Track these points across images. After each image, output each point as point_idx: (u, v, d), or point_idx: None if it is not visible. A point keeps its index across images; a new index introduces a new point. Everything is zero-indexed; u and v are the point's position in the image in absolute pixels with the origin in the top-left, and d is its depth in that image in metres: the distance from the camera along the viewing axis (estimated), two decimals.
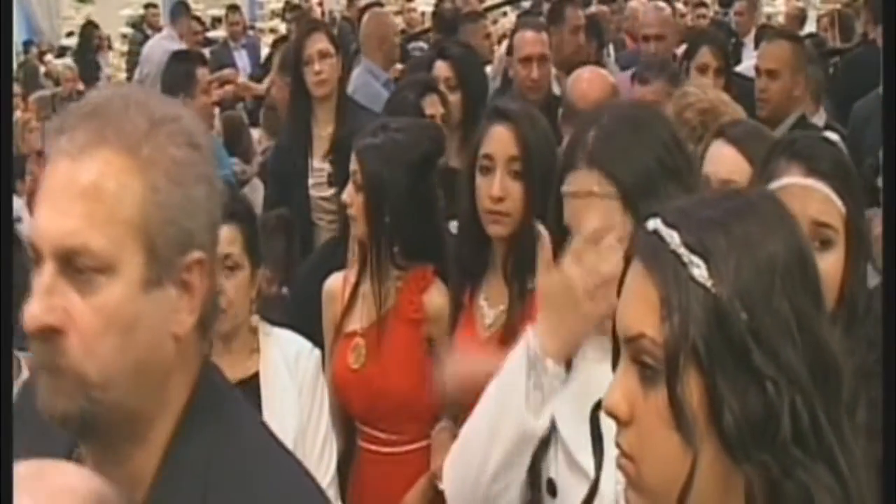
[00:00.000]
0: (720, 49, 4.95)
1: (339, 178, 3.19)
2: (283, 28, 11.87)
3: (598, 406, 1.32)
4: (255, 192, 5.61)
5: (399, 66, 6.55)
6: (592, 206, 1.83)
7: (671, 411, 1.14)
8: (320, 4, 15.23)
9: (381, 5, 9.30)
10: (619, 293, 1.23)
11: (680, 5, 9.35)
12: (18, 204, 5.55)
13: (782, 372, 1.13)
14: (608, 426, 1.26)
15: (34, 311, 1.27)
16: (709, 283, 1.15)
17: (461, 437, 1.97)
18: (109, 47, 14.32)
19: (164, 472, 1.34)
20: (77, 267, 1.28)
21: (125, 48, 13.38)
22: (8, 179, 1.45)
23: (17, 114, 7.61)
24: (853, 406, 1.39)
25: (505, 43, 6.52)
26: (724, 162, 2.66)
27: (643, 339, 1.17)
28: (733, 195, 1.25)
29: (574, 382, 1.83)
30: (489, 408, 1.88)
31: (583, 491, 1.59)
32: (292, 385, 2.82)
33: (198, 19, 11.43)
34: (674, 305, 1.15)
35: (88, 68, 12.49)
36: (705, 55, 4.83)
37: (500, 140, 2.72)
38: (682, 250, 1.16)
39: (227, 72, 8.75)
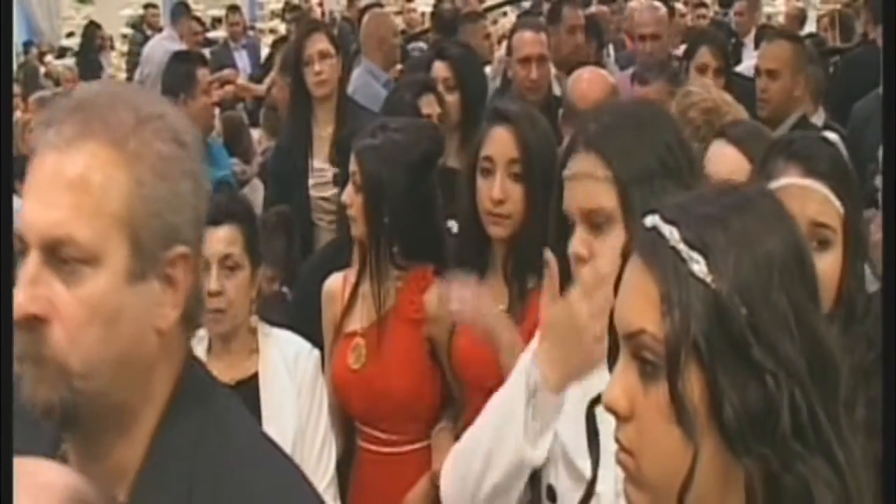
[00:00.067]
0: (719, 49, 4.95)
1: (344, 179, 3.20)
2: (283, 28, 11.90)
3: (593, 402, 1.32)
4: (255, 192, 5.61)
5: (399, 67, 6.55)
6: (588, 188, 1.82)
7: (672, 406, 1.15)
8: (320, 5, 15.24)
9: (381, 6, 9.32)
10: (616, 290, 1.23)
11: (680, 5, 9.35)
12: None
13: (781, 366, 1.14)
14: (605, 425, 1.27)
15: (18, 300, 1.28)
16: (709, 279, 1.15)
17: (459, 450, 1.97)
18: (112, 48, 14.33)
19: (149, 462, 1.35)
20: (62, 257, 1.29)
21: (125, 48, 13.40)
22: (8, 179, 1.46)
23: (17, 114, 7.60)
24: (852, 403, 1.39)
25: (505, 43, 6.52)
26: (726, 162, 2.66)
27: (644, 334, 1.17)
28: (730, 191, 1.26)
29: (574, 388, 1.82)
30: (487, 430, 1.88)
31: None
32: (291, 386, 2.83)
33: (198, 20, 11.43)
34: (674, 301, 1.15)
35: (90, 69, 12.49)
36: (704, 55, 4.83)
37: (500, 142, 2.72)
38: (682, 246, 1.17)
39: (227, 72, 8.76)
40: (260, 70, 9.70)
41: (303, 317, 3.28)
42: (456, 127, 4.29)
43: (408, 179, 2.97)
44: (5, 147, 1.54)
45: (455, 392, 3.03)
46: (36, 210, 1.32)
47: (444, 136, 3.50)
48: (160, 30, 11.82)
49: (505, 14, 12.18)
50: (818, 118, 5.00)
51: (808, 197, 1.99)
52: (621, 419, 1.20)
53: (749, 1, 8.87)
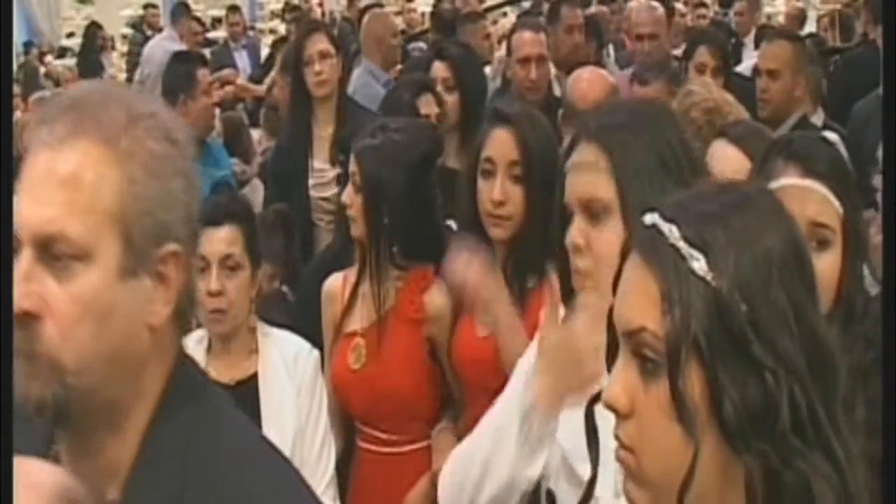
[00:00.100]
0: (718, 49, 4.96)
1: (346, 179, 3.20)
2: (283, 29, 11.91)
3: (592, 401, 1.32)
4: (255, 193, 5.61)
5: (399, 67, 6.56)
6: (588, 178, 1.82)
7: (673, 403, 1.15)
8: (320, 5, 15.25)
9: (381, 6, 9.32)
10: (615, 288, 1.24)
11: (680, 5, 9.33)
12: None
13: (781, 362, 1.14)
14: (605, 423, 1.27)
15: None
16: (709, 277, 1.16)
17: (458, 457, 1.98)
18: (113, 48, 14.34)
19: (141, 458, 1.35)
20: (54, 254, 1.30)
21: (125, 49, 13.41)
22: (8, 179, 1.46)
23: (17, 114, 7.60)
24: (851, 403, 1.40)
25: (505, 43, 6.52)
26: (727, 161, 2.66)
27: (644, 332, 1.18)
28: (730, 189, 1.26)
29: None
30: (484, 443, 1.89)
31: None
32: (291, 386, 2.83)
33: (198, 20, 11.43)
34: (675, 299, 1.16)
35: (91, 69, 12.49)
36: (703, 55, 4.83)
37: (500, 144, 2.73)
38: (682, 244, 1.17)
39: (227, 72, 8.77)
40: (260, 70, 9.70)
41: (304, 319, 3.28)
42: (455, 127, 4.29)
43: (407, 180, 2.97)
44: (5, 147, 1.55)
45: (455, 392, 3.03)
46: (29, 207, 1.33)
47: (443, 137, 3.50)
48: (160, 30, 11.82)
49: (505, 14, 12.17)
50: (817, 118, 5.00)
51: (807, 197, 1.99)
52: (621, 416, 1.20)
53: (749, 1, 8.87)
